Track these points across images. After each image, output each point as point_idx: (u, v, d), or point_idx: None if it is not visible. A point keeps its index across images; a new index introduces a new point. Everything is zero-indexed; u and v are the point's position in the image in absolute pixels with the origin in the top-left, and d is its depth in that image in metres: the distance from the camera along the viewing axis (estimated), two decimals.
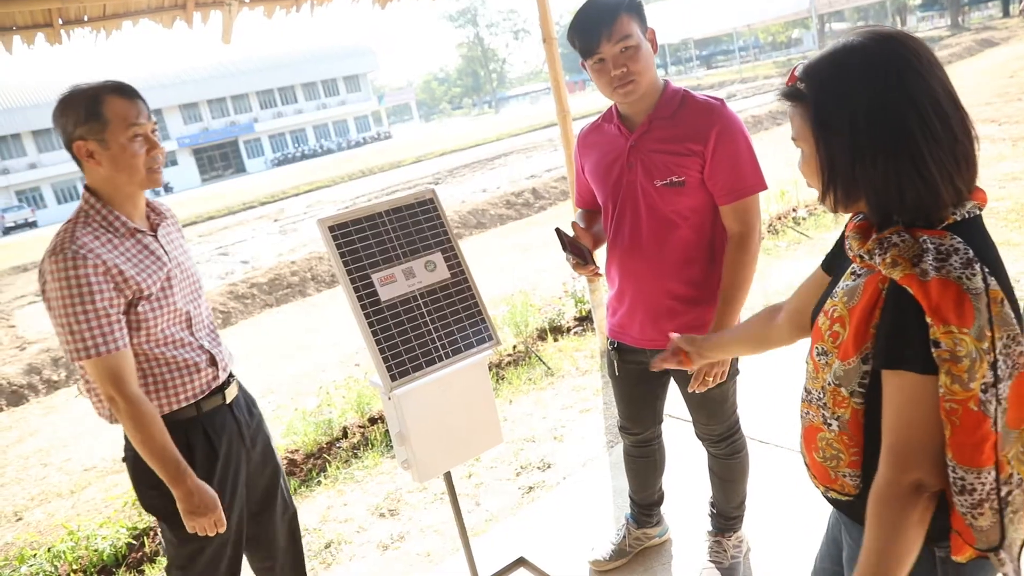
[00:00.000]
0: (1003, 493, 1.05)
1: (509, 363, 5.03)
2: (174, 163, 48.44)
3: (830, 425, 1.20)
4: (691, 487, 2.98)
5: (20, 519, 4.59)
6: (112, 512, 3.98)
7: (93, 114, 1.75)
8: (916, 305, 1.02)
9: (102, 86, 1.79)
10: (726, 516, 2.49)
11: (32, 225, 37.79)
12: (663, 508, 2.72)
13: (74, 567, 3.39)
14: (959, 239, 1.03)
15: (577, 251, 2.15)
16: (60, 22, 3.19)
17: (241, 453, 2.08)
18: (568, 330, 5.45)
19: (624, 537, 2.67)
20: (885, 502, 1.09)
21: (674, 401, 2.51)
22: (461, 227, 12.07)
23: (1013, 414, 1.04)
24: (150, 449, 1.78)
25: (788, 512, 2.72)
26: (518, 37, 79.95)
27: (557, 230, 2.16)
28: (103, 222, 1.83)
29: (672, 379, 2.37)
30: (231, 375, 2.12)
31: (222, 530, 1.90)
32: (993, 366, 1.00)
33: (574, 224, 2.25)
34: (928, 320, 1.01)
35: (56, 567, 3.40)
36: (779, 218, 7.21)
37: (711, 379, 2.07)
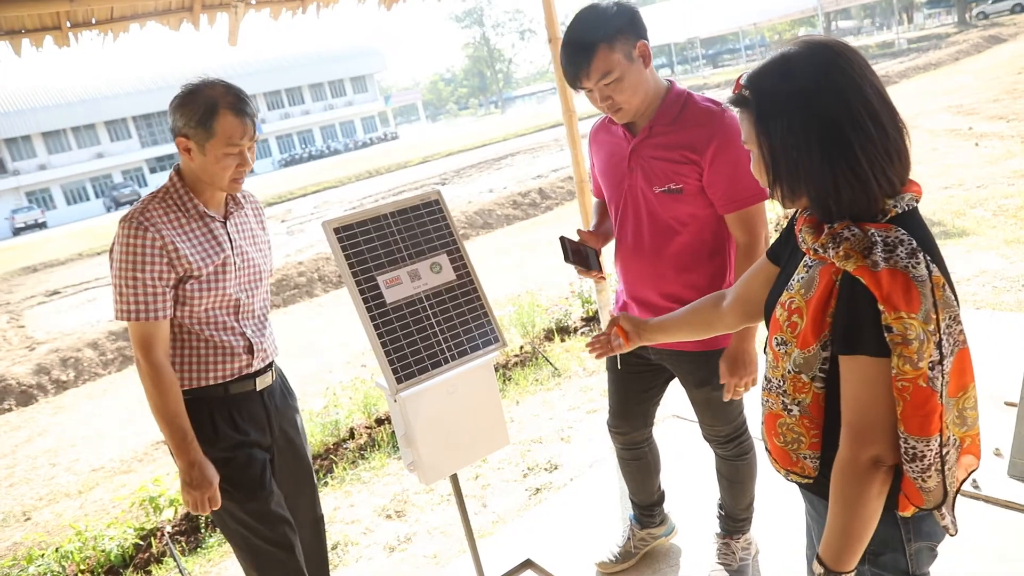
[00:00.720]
0: (943, 453, 1.16)
1: (516, 364, 5.02)
2: None
3: (790, 411, 1.28)
4: (698, 488, 2.96)
5: (28, 519, 4.62)
6: (120, 513, 3.99)
7: (204, 123, 1.86)
8: (869, 294, 1.10)
9: (223, 97, 1.88)
10: (734, 518, 2.47)
11: (42, 226, 37.97)
12: (668, 507, 2.71)
13: (82, 567, 3.40)
14: (903, 231, 1.12)
15: (580, 258, 2.16)
16: (68, 25, 3.20)
17: (268, 441, 2.13)
18: (575, 330, 5.44)
19: (629, 539, 2.66)
20: (846, 478, 1.18)
21: (682, 401, 2.50)
22: (468, 227, 12.07)
23: (952, 384, 1.15)
24: (162, 414, 1.88)
25: (797, 513, 2.70)
26: (524, 37, 79.85)
27: (561, 238, 2.17)
28: (178, 201, 1.95)
29: (678, 380, 2.36)
30: (270, 365, 2.17)
31: (216, 507, 1.95)
32: (939, 345, 1.10)
33: (579, 231, 2.27)
34: (880, 307, 1.10)
35: (64, 567, 3.41)
36: (785, 217, 7.18)
37: (743, 388, 2.07)
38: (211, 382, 2.00)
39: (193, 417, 1.96)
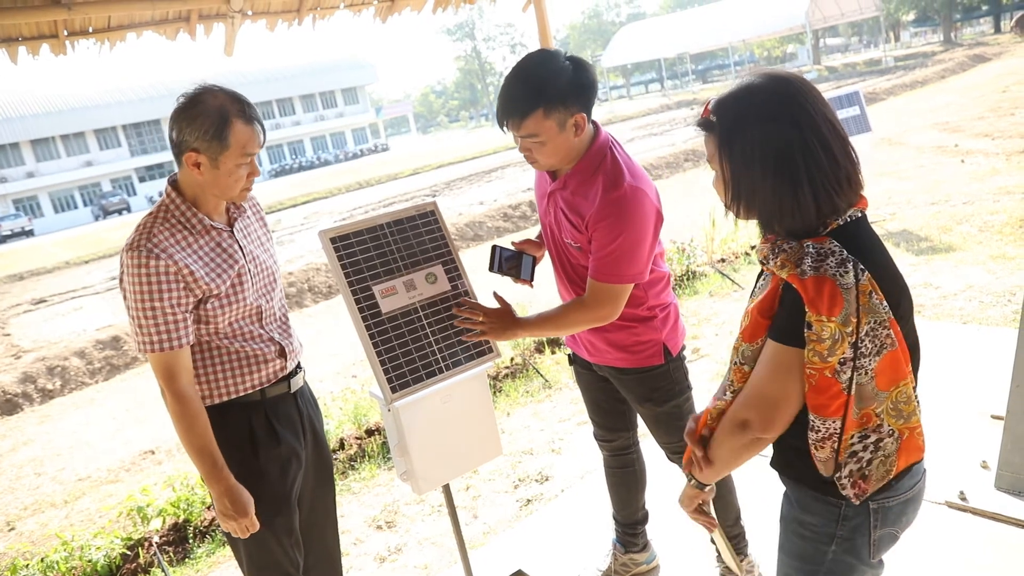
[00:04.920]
0: (872, 439, 1.31)
1: (507, 375, 5.03)
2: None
3: (724, 396, 1.44)
4: (679, 516, 2.93)
5: (13, 529, 4.57)
6: (106, 522, 3.96)
7: (218, 136, 1.78)
8: (800, 297, 1.26)
9: (231, 105, 1.80)
10: (726, 536, 2.45)
11: (29, 234, 37.62)
12: (652, 536, 2.68)
13: None
14: (836, 243, 1.26)
15: (509, 267, 2.24)
16: (65, 33, 3.20)
17: (300, 444, 2.09)
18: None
19: (611, 563, 2.63)
20: (723, 424, 1.42)
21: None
22: (458, 239, 12.08)
23: (882, 380, 1.29)
24: (190, 444, 1.84)
25: None
26: (515, 51, 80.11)
27: (493, 247, 2.24)
28: (181, 218, 1.87)
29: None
30: (298, 365, 2.15)
31: (254, 530, 1.92)
32: (854, 345, 1.24)
33: (513, 242, 2.33)
34: (806, 308, 1.24)
35: None
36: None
37: (469, 321, 2.12)
38: (248, 390, 1.97)
39: (232, 427, 1.94)
